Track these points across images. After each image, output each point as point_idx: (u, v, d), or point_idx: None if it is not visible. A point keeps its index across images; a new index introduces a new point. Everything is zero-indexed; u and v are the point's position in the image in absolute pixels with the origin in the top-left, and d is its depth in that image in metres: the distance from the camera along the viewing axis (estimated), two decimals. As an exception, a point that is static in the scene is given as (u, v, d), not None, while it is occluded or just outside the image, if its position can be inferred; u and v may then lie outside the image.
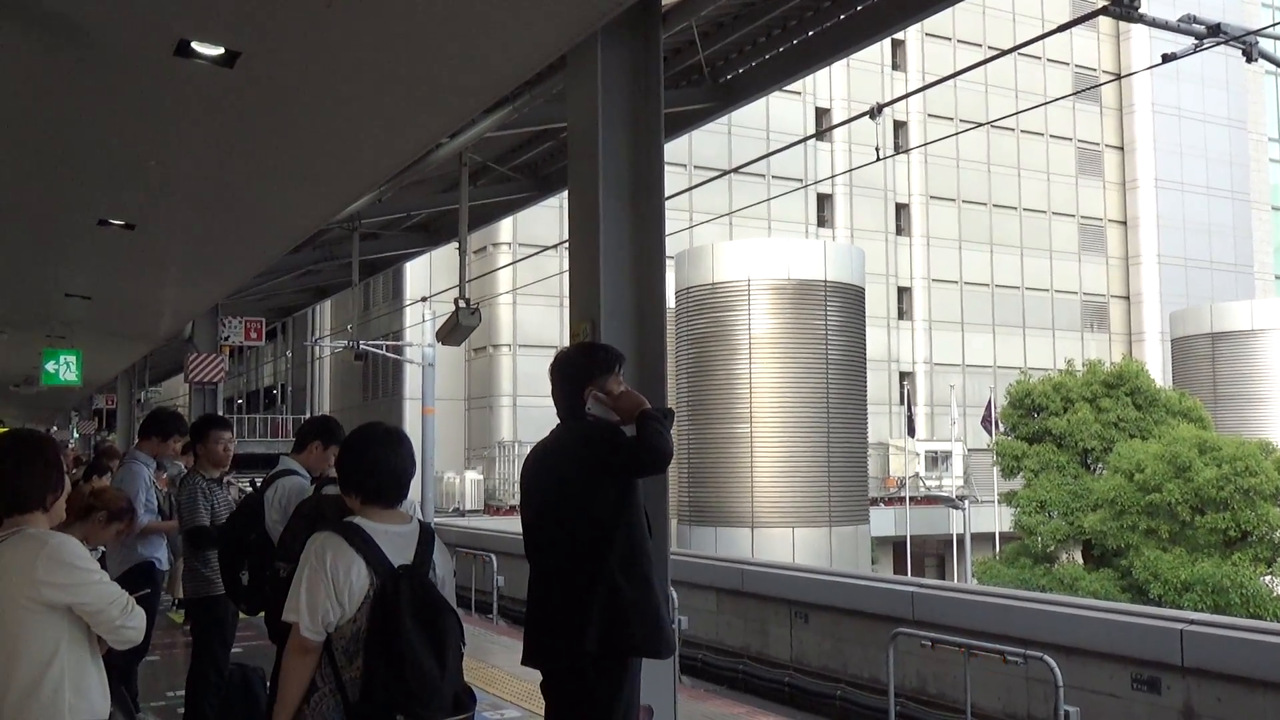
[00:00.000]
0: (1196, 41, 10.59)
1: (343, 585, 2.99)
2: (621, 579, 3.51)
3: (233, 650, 6.16)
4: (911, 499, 36.42)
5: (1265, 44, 11.44)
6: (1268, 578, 22.77)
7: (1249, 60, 11.11)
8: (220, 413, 14.13)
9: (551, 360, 3.96)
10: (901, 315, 46.01)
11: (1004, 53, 11.91)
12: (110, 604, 3.04)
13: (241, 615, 5.88)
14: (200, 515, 5.86)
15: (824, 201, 44.69)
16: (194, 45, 4.89)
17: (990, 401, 34.14)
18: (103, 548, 5.24)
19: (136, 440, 7.15)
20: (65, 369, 15.29)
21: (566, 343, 4.61)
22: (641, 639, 3.54)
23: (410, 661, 2.92)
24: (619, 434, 3.65)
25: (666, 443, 3.55)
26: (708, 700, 8.65)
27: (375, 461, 3.18)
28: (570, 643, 3.51)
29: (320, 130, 6.39)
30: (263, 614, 4.44)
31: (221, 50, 4.95)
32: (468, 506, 34.91)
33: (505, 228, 35.96)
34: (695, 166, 36.54)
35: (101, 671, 3.13)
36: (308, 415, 40.19)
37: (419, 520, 3.28)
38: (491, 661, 8.79)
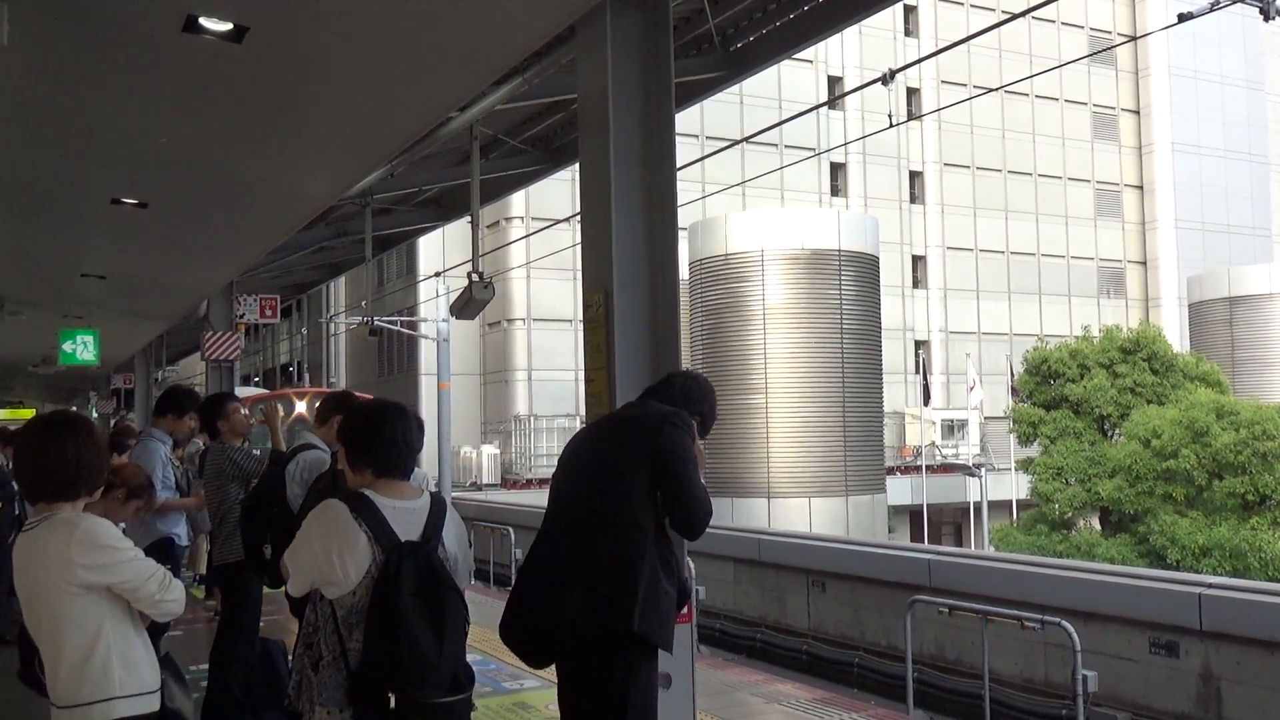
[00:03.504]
0: (1213, 0, 10.45)
1: (337, 556, 2.99)
2: (661, 569, 3.53)
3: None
4: (928, 467, 36.39)
5: (1283, 2, 11.27)
6: (1286, 541, 22.72)
7: (1266, 19, 10.95)
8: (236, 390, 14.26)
9: (679, 373, 4.00)
10: (916, 284, 45.81)
11: (1017, 16, 11.79)
12: (148, 579, 3.09)
13: (265, 590, 5.93)
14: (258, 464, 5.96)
15: (837, 170, 44.43)
16: (202, 21, 4.88)
17: (1012, 368, 34.08)
18: (123, 524, 5.28)
19: (152, 418, 7.20)
20: (83, 349, 15.36)
21: (581, 316, 4.58)
22: (660, 630, 3.53)
23: (407, 639, 2.92)
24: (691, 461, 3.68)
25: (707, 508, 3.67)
26: (726, 669, 8.69)
27: (386, 435, 3.17)
28: (603, 621, 3.48)
29: (330, 105, 6.38)
30: (284, 588, 4.47)
31: (230, 26, 4.94)
32: (485, 481, 35.05)
33: (517, 202, 35.89)
34: (707, 137, 36.35)
35: (147, 644, 3.19)
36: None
37: (430, 493, 3.28)
38: (510, 633, 8.82)
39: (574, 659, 3.62)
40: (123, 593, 3.07)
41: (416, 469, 3.35)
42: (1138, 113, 50.57)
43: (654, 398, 3.91)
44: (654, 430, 3.65)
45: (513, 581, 3.94)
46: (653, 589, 3.49)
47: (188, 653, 7.95)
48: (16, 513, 9.30)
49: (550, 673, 3.75)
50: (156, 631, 6.21)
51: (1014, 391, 32.07)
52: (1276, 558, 21.63)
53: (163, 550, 6.33)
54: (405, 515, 3.10)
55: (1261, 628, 8.96)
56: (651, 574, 3.50)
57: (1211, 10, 10.26)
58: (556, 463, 3.95)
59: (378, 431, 3.18)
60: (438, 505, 3.22)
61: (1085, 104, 48.90)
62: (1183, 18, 10.33)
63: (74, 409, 20.06)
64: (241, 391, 24.18)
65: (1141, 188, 50.53)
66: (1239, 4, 10.65)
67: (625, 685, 3.51)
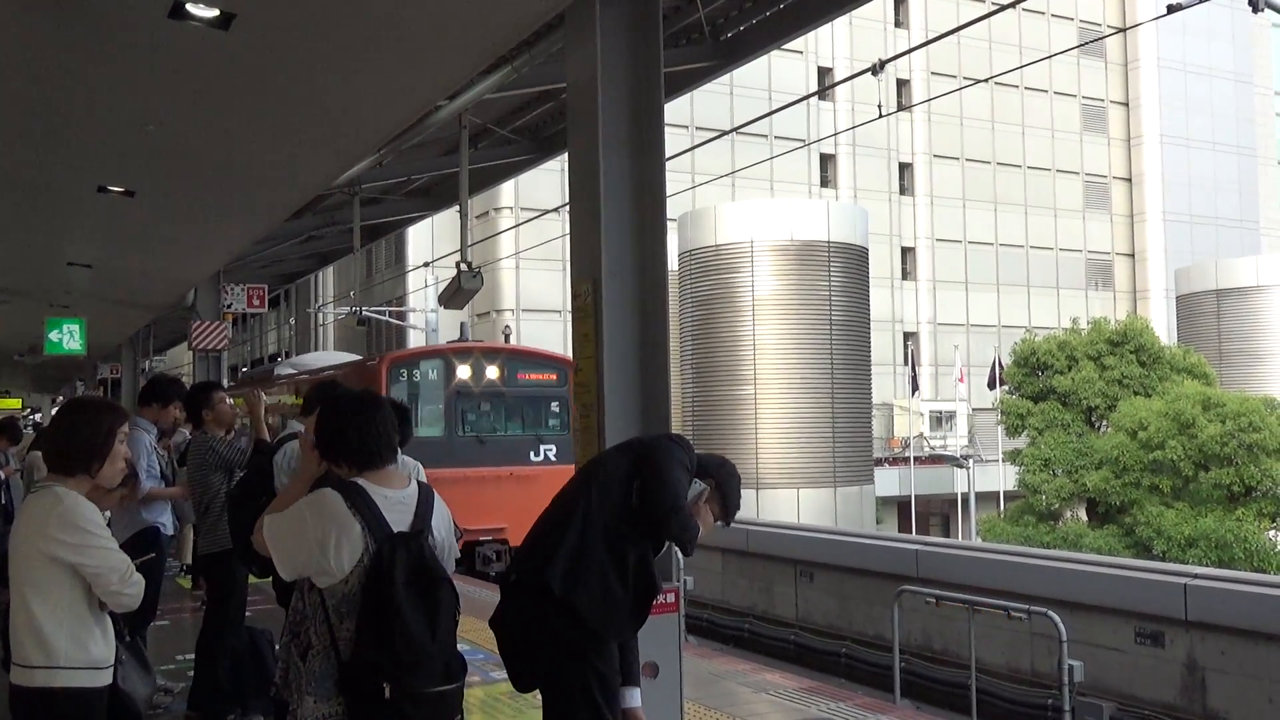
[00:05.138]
0: (1202, -8, 10.44)
1: (334, 546, 2.96)
2: (606, 552, 3.52)
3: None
4: (916, 459, 36.48)
5: (1272, -5, 11.28)
6: (1272, 532, 22.85)
7: (1255, 10, 10.96)
8: (224, 380, 14.22)
9: (722, 460, 3.90)
10: (905, 275, 45.87)
11: (1007, 7, 11.79)
12: (110, 569, 3.26)
13: (251, 580, 5.92)
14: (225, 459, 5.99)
15: (827, 161, 44.44)
16: (188, 7, 4.84)
17: (995, 361, 34.14)
18: (107, 513, 5.27)
19: (138, 407, 7.16)
20: (69, 338, 15.29)
21: (570, 306, 4.56)
22: (592, 610, 3.52)
23: (401, 630, 2.91)
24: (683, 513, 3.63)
25: (685, 532, 3.60)
26: (713, 658, 8.71)
27: (354, 433, 3.11)
28: (529, 569, 3.53)
29: (318, 92, 6.34)
30: (271, 578, 4.45)
31: (216, 12, 4.90)
32: (473, 471, 34.94)
33: (507, 192, 35.81)
34: (696, 127, 36.30)
35: (105, 627, 3.34)
36: (312, 382, 40.11)
37: (419, 483, 3.26)
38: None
39: (540, 652, 3.60)
40: (86, 576, 3.23)
41: (404, 458, 3.33)
42: (1127, 105, 50.68)
43: None
44: (649, 437, 3.83)
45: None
46: (582, 560, 3.45)
47: (174, 642, 7.95)
48: (3, 501, 9.27)
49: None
50: (141, 621, 6.24)
51: (1001, 382, 32.14)
52: (1262, 549, 21.77)
53: (148, 539, 6.32)
54: (396, 505, 3.09)
55: (1246, 618, 9.01)
56: (586, 547, 3.47)
57: (1201, 1, 10.26)
58: None
59: (343, 429, 3.13)
60: (425, 494, 3.20)
61: (1074, 96, 48.97)
62: (1172, 9, 10.35)
63: (96, 394, 19.98)
64: (325, 358, 23.37)
65: (1130, 180, 50.66)
66: (1228, -4, 10.64)
67: (568, 673, 3.51)
